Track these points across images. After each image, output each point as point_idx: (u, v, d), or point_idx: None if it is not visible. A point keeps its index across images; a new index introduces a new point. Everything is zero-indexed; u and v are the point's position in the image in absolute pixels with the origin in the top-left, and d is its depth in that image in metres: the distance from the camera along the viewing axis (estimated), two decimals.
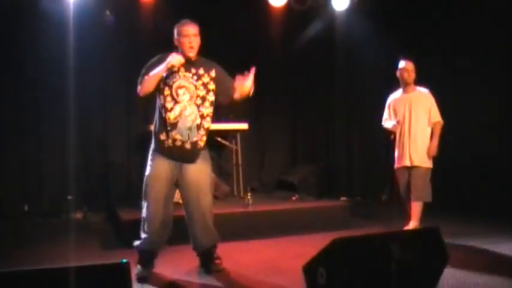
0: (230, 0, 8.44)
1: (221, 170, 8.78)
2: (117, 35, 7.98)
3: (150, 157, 4.75)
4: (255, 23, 8.83)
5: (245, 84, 4.79)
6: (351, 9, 8.83)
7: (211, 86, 4.78)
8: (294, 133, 9.62)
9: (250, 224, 6.63)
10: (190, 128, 4.63)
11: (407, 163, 6.37)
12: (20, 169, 7.70)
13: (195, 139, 4.66)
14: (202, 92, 4.71)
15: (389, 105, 6.76)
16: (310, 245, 4.44)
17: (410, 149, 6.37)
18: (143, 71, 4.67)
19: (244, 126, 8.12)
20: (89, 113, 7.99)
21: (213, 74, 4.81)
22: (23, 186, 7.70)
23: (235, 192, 8.32)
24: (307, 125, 9.65)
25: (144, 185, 4.71)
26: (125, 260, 2.95)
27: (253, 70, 4.89)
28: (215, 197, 7.75)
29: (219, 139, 8.30)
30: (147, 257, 4.75)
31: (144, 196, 4.71)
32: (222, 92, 4.87)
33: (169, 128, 4.59)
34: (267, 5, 8.59)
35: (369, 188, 9.64)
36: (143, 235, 4.72)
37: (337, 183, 9.43)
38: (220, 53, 8.59)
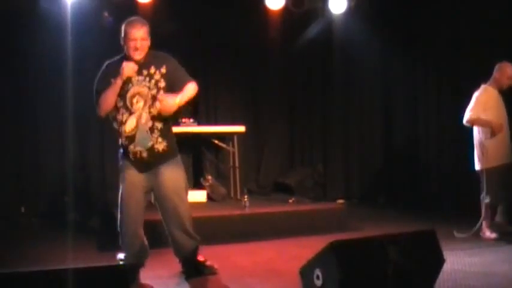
0: (228, 3, 8.44)
1: (218, 172, 8.79)
2: (115, 37, 7.94)
3: (120, 168, 4.52)
4: (253, 25, 8.84)
5: (167, 101, 4.26)
6: (348, 12, 8.85)
7: (162, 83, 4.39)
8: (291, 135, 9.63)
9: (247, 226, 6.64)
10: (147, 132, 4.35)
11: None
12: (17, 170, 7.69)
13: (150, 144, 4.35)
14: (154, 91, 4.36)
15: (483, 101, 6.33)
16: (307, 248, 4.45)
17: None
18: (95, 87, 4.42)
19: (241, 128, 8.13)
20: (86, 114, 7.97)
21: (163, 70, 4.40)
22: (20, 188, 7.69)
23: (232, 195, 8.31)
24: (304, 127, 9.66)
25: (119, 200, 4.48)
26: (122, 262, 2.96)
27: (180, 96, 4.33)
28: (212, 200, 7.81)
29: (216, 141, 8.31)
30: (131, 270, 4.41)
31: (120, 211, 4.48)
32: (171, 90, 4.39)
33: (126, 142, 4.36)
34: (265, 7, 8.60)
35: (365, 190, 9.66)
36: (123, 253, 4.53)
37: (334, 186, 9.44)
38: (218, 55, 8.74)
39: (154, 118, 4.35)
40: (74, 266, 2.96)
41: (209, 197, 7.84)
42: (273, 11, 8.76)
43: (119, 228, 4.52)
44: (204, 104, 8.79)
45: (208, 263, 4.88)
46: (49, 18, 7.43)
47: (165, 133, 4.43)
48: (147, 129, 4.34)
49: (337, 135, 9.64)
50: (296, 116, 9.61)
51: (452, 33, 8.39)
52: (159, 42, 7.83)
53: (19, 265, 5.00)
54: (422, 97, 9.17)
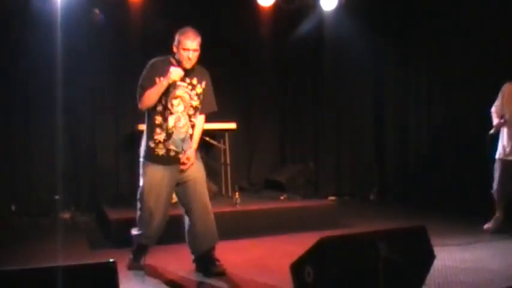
0: (218, 0, 8.43)
1: (209, 169, 8.71)
2: (105, 34, 7.94)
3: (142, 165, 4.80)
4: (243, 22, 8.83)
5: (192, 158, 4.82)
6: (339, 9, 8.85)
7: (202, 96, 4.83)
8: (283, 132, 9.62)
9: (238, 223, 6.64)
10: (183, 139, 4.73)
11: None
12: (8, 169, 7.64)
13: (186, 148, 4.75)
14: (195, 102, 4.78)
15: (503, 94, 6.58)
16: (298, 244, 4.45)
17: None
18: (140, 82, 4.69)
19: (232, 125, 8.13)
20: (77, 113, 7.95)
21: (204, 85, 4.84)
22: (11, 186, 7.65)
23: (224, 192, 8.30)
24: (296, 124, 9.65)
25: (139, 193, 4.79)
26: (112, 260, 2.95)
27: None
28: None
29: (207, 138, 8.28)
30: (141, 249, 4.91)
31: (140, 201, 4.78)
32: (202, 107, 4.90)
33: (165, 137, 4.68)
34: (256, 4, 8.59)
35: (357, 187, 9.67)
36: (139, 231, 4.86)
37: (325, 183, 9.44)
38: (209, 53, 8.69)
39: (193, 127, 4.81)
40: (64, 264, 2.94)
41: None
42: (264, 7, 8.76)
43: (139, 216, 4.83)
44: None
45: (220, 262, 4.94)
46: (39, 15, 7.38)
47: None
48: (188, 136, 4.77)
49: (328, 132, 9.64)
50: (287, 113, 9.60)
51: (443, 29, 8.41)
52: (149, 41, 7.87)
53: (9, 263, 4.98)
54: (414, 94, 9.20)
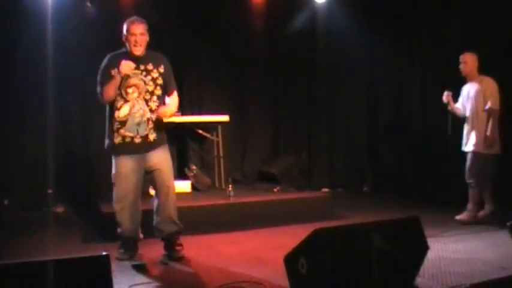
0: None
1: (202, 162, 8.77)
2: (97, 27, 7.89)
3: (113, 155, 5.00)
4: (237, 15, 8.82)
5: (164, 113, 4.96)
6: (332, 1, 8.83)
7: (160, 80, 4.97)
8: (276, 124, 9.61)
9: (232, 215, 6.65)
10: (139, 124, 4.87)
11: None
12: (0, 163, 7.62)
13: (145, 133, 4.90)
14: (151, 87, 4.92)
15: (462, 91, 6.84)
16: (292, 236, 4.45)
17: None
18: (99, 78, 4.95)
19: (225, 118, 8.11)
20: (69, 106, 7.92)
21: (161, 69, 4.98)
22: (3, 180, 7.61)
23: (217, 184, 8.31)
24: (289, 116, 9.64)
25: (113, 182, 4.99)
26: (105, 253, 2.94)
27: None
28: (197, 189, 7.79)
29: (200, 131, 8.28)
30: (129, 242, 5.04)
31: (113, 195, 4.99)
32: (163, 89, 5.05)
33: (118, 126, 4.87)
34: None
35: (350, 179, 9.68)
36: (119, 229, 5.04)
37: (318, 175, 9.45)
38: (202, 45, 8.70)
39: (151, 111, 4.92)
40: (57, 258, 2.93)
41: (194, 187, 7.81)
42: (257, 0, 8.74)
43: (114, 206, 4.99)
44: (187, 93, 8.74)
45: (179, 248, 5.14)
46: (30, 8, 7.34)
47: (158, 125, 4.98)
48: (144, 120, 4.88)
49: (321, 124, 9.64)
50: (280, 105, 9.59)
51: (438, 21, 8.40)
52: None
53: (2, 257, 4.96)
54: (407, 86, 9.20)
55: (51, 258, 2.91)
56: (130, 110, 4.84)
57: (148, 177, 5.04)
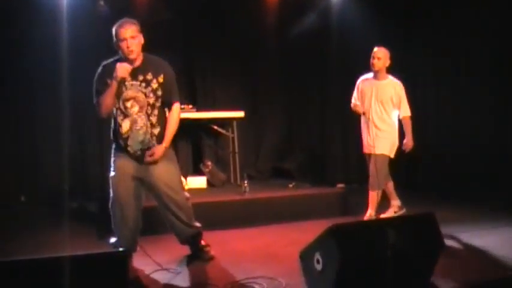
0: None
1: (217, 158, 8.79)
2: (111, 25, 7.90)
3: (112, 155, 4.64)
4: (251, 11, 8.81)
5: (158, 153, 4.49)
6: None
7: (159, 92, 4.51)
8: (290, 120, 9.61)
9: (246, 211, 6.66)
10: (142, 141, 4.49)
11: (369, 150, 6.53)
12: (16, 160, 7.68)
13: (149, 146, 4.51)
14: (152, 100, 4.49)
15: (357, 86, 6.69)
16: (307, 232, 4.45)
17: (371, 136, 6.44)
18: (95, 87, 4.49)
19: (240, 114, 8.12)
20: (84, 103, 7.94)
21: (161, 79, 4.50)
22: (20, 177, 7.68)
23: (232, 180, 8.33)
24: (304, 112, 9.63)
25: (110, 186, 4.60)
26: (122, 249, 2.96)
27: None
28: (212, 185, 7.81)
29: (216, 127, 8.30)
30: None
31: (111, 197, 4.60)
32: (163, 101, 4.58)
33: (122, 142, 4.49)
34: None
35: (365, 174, 9.61)
36: (115, 238, 4.70)
37: (333, 170, 9.41)
38: (216, 42, 8.70)
39: (153, 126, 4.51)
40: (73, 254, 2.95)
41: (209, 183, 7.84)
42: None
43: (112, 215, 4.64)
44: (202, 90, 8.77)
45: (207, 249, 4.95)
46: (44, 7, 7.38)
47: (161, 137, 4.56)
48: (148, 137, 4.48)
49: (336, 119, 9.60)
50: (295, 101, 9.58)
51: (454, 17, 8.34)
52: (156, 31, 7.84)
53: (19, 254, 5.00)
54: (421, 80, 9.15)
55: (68, 254, 2.93)
56: (131, 126, 4.44)
57: (153, 194, 4.66)
